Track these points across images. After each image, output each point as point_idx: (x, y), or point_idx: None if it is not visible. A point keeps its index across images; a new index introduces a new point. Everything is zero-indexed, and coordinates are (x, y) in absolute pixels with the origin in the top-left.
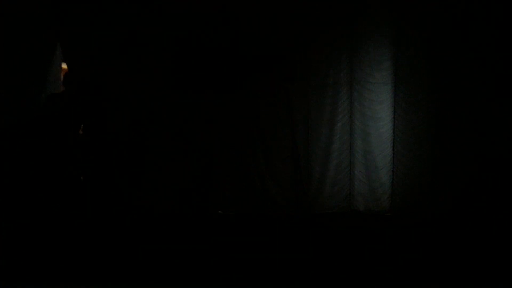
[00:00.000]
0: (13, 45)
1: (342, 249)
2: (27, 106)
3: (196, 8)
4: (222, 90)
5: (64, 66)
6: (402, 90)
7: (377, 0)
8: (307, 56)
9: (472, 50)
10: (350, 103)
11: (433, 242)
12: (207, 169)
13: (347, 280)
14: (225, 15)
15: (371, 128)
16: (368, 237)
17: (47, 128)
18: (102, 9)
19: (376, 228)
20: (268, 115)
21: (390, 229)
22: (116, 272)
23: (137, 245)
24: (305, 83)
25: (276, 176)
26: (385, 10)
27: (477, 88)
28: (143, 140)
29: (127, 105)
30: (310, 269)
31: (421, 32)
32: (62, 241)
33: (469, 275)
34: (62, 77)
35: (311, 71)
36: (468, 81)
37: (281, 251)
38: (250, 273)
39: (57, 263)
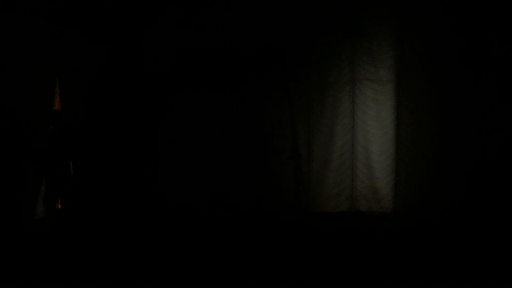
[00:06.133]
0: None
1: (343, 249)
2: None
3: (198, 8)
4: (223, 90)
5: None
6: (405, 89)
7: None
8: (309, 54)
9: (475, 49)
10: (352, 102)
11: (435, 243)
12: (207, 169)
13: (347, 280)
14: (227, 15)
15: (373, 127)
16: (370, 237)
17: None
18: (96, 16)
19: (378, 229)
20: (269, 115)
21: (392, 230)
22: (116, 272)
23: (137, 244)
24: (307, 82)
25: (277, 176)
26: (388, 9)
27: (481, 88)
28: (145, 139)
29: (129, 110)
30: (310, 269)
31: (424, 31)
32: (61, 240)
33: (469, 275)
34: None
35: (313, 70)
36: (472, 81)
37: (281, 251)
38: (250, 273)
39: (56, 263)
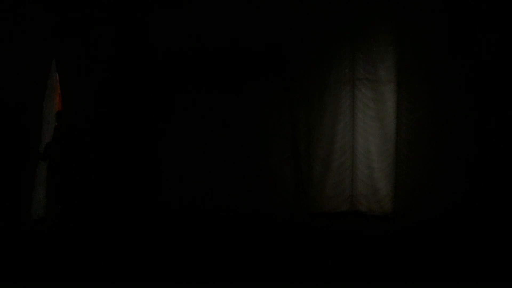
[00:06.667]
0: (10, 59)
1: (343, 249)
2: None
3: (198, 9)
4: (222, 90)
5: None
6: (405, 89)
7: None
8: (309, 54)
9: (475, 49)
10: (352, 102)
11: (435, 243)
12: (207, 169)
13: (347, 280)
14: (227, 15)
15: (373, 128)
16: (370, 238)
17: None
18: (97, 15)
19: (378, 229)
20: (269, 115)
21: (392, 230)
22: (116, 272)
23: (136, 245)
24: (306, 82)
25: (277, 176)
26: (388, 9)
27: (481, 88)
28: (145, 139)
29: (127, 109)
30: (310, 269)
31: (424, 31)
32: (61, 240)
33: (469, 275)
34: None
35: (313, 70)
36: (472, 81)
37: (281, 251)
38: (250, 273)
39: (56, 263)
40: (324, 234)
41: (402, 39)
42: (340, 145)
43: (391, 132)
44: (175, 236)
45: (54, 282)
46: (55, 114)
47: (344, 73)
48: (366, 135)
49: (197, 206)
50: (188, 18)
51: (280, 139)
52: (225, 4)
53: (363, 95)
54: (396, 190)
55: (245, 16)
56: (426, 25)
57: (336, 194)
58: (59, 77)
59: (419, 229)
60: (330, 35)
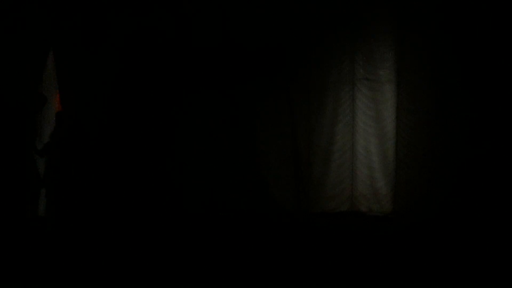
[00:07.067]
0: (6, 48)
1: (343, 249)
2: (20, 104)
3: (199, 8)
4: (222, 91)
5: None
6: (405, 89)
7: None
8: (309, 54)
9: (475, 49)
10: (352, 102)
11: (435, 243)
12: (207, 169)
13: (347, 280)
14: (227, 15)
15: (373, 128)
16: (369, 238)
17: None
18: (97, 14)
19: (378, 229)
20: (269, 115)
21: (392, 230)
22: (116, 272)
23: (137, 244)
24: (306, 82)
25: (277, 176)
26: (388, 9)
27: (481, 88)
28: (144, 140)
29: (127, 109)
30: (310, 269)
31: (424, 31)
32: (62, 240)
33: (469, 275)
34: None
35: (313, 70)
36: (472, 81)
37: (281, 251)
38: (251, 273)
39: (57, 263)
40: (324, 234)
41: (402, 39)
42: (340, 145)
43: (391, 132)
44: (175, 236)
45: (54, 282)
46: (55, 114)
47: (344, 73)
48: (366, 135)
49: (197, 206)
50: (188, 17)
51: (280, 139)
52: (225, 4)
53: (363, 95)
54: (396, 190)
55: (245, 16)
56: (426, 25)
57: (336, 194)
58: (58, 77)
59: (419, 229)
60: (330, 35)
